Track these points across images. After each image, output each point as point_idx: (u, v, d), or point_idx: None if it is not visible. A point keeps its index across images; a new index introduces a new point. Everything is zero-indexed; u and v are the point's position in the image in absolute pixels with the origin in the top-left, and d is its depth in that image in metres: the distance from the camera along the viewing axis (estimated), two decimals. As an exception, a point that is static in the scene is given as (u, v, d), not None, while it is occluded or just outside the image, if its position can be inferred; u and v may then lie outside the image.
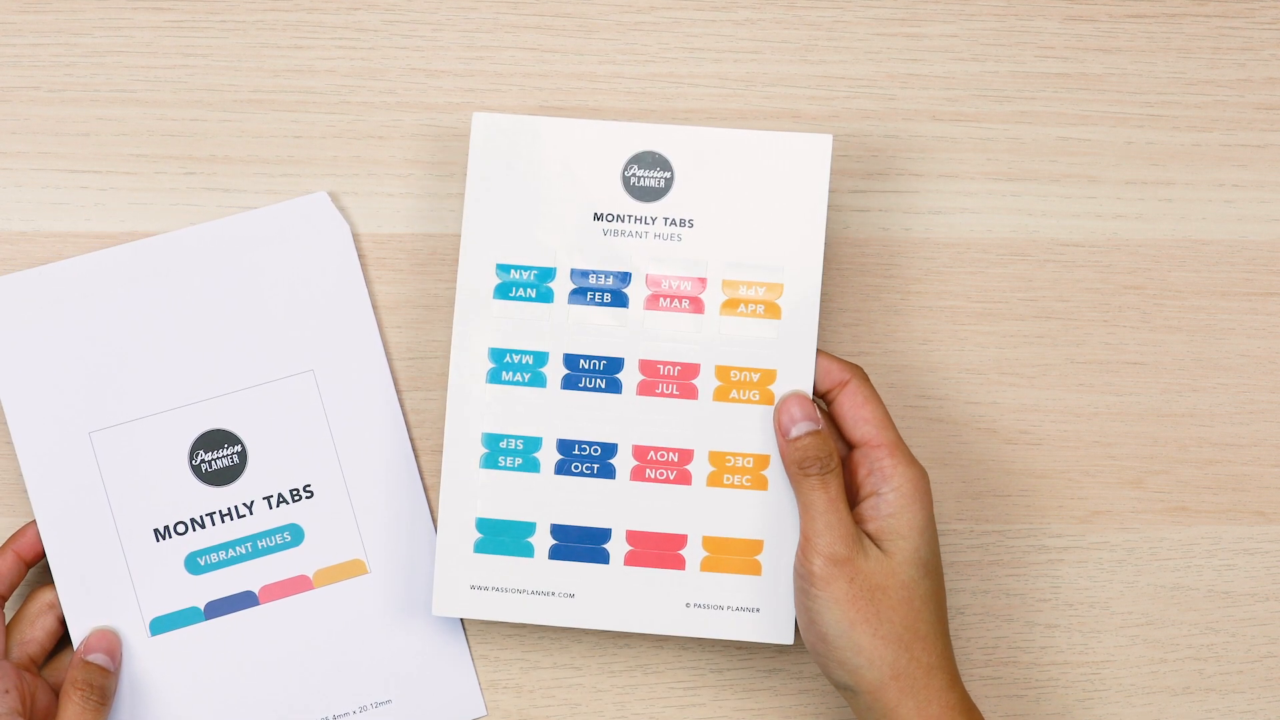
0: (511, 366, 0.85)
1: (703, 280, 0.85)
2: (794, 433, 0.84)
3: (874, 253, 0.91)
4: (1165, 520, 0.91)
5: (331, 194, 0.90)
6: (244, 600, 0.88)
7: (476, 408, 0.85)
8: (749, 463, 0.85)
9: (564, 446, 0.85)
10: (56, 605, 0.86)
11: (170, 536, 0.87)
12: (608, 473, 0.85)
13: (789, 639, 0.86)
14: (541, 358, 0.85)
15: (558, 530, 0.85)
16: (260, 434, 0.88)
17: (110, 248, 0.88)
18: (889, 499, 0.83)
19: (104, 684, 0.84)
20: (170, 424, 0.87)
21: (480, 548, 0.85)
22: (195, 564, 0.88)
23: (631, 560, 0.85)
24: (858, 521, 0.83)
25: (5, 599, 0.85)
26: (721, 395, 0.85)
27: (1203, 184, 0.92)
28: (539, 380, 0.85)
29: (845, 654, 0.81)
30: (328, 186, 0.90)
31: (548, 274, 0.85)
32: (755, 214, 0.85)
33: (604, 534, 0.85)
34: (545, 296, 0.85)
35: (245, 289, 0.88)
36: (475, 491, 0.85)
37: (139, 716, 0.87)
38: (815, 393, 0.85)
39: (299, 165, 0.90)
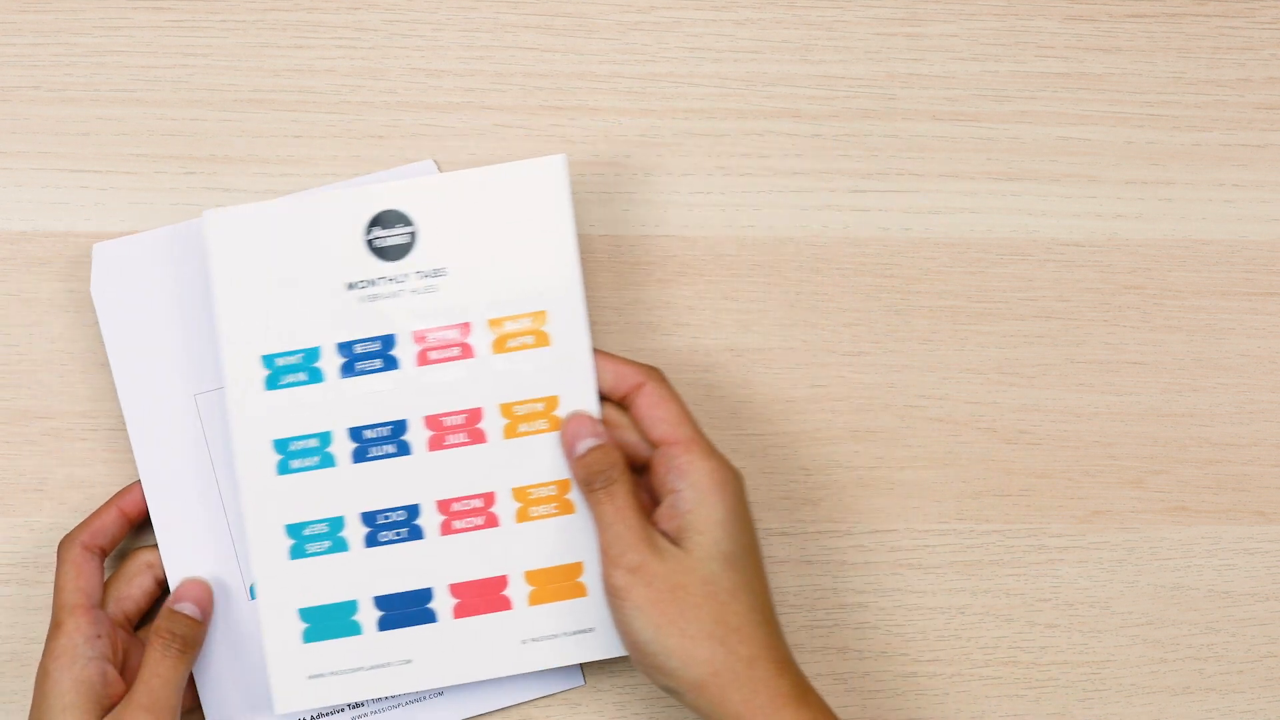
0: (299, 454, 0.85)
1: (467, 325, 0.85)
2: (578, 450, 0.84)
3: (874, 253, 0.91)
4: (1165, 520, 0.91)
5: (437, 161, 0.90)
6: None
7: (273, 502, 0.85)
8: (552, 490, 0.86)
9: (368, 519, 0.85)
10: (155, 565, 0.86)
11: None
12: (417, 534, 0.85)
13: (626, 650, 0.86)
14: (326, 438, 0.85)
15: (381, 601, 0.85)
16: None
17: None
18: (686, 495, 0.82)
19: (186, 633, 0.84)
20: None
21: (309, 636, 0.85)
22: None
23: (460, 612, 0.85)
24: (660, 521, 0.83)
25: (107, 553, 0.86)
26: (511, 432, 0.85)
27: (1203, 184, 0.92)
28: (329, 460, 0.85)
29: (659, 659, 0.81)
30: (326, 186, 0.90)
31: (314, 354, 0.85)
32: (505, 248, 0.85)
33: (426, 594, 0.85)
34: (316, 377, 0.85)
35: None
36: (290, 584, 0.85)
37: (242, 678, 0.87)
38: (614, 398, 0.85)
39: (299, 165, 0.90)
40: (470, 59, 0.91)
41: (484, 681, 0.87)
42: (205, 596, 0.86)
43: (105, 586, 0.86)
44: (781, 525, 0.90)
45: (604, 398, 0.86)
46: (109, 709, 0.82)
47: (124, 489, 0.87)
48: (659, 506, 0.84)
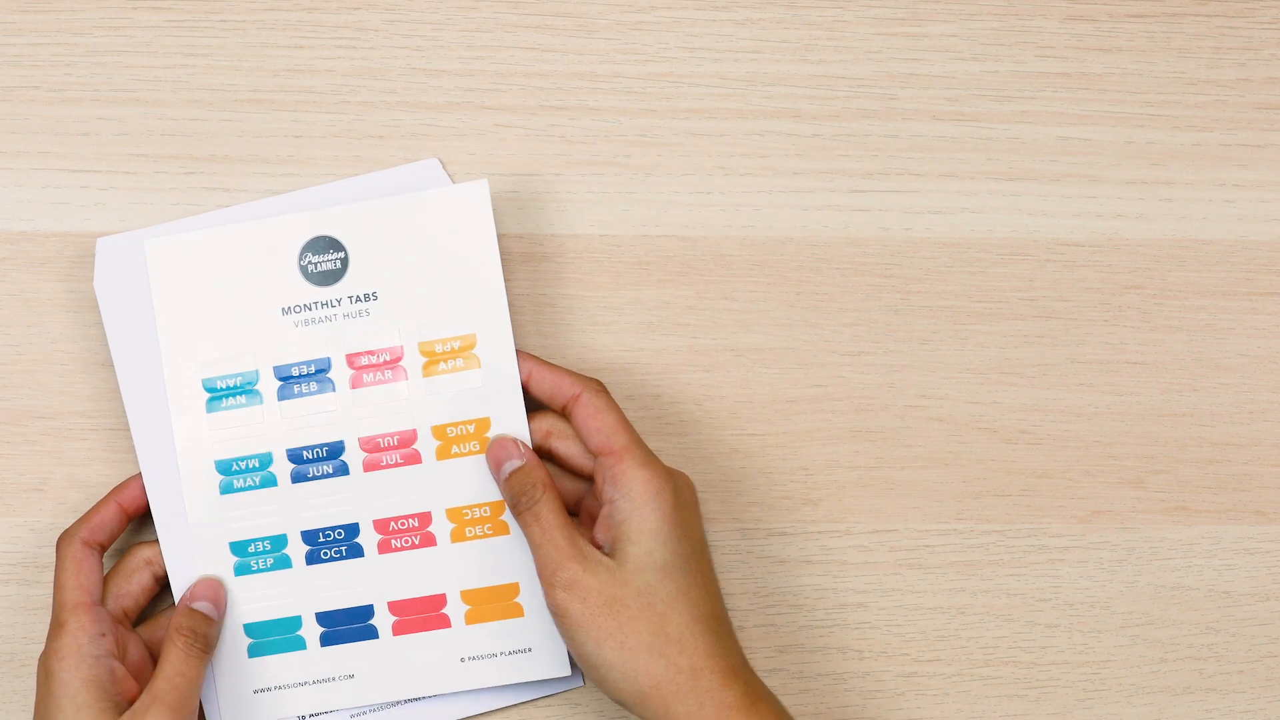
0: (241, 473, 0.87)
1: (399, 348, 0.87)
2: (503, 473, 0.85)
3: (874, 253, 0.92)
4: (1165, 520, 0.91)
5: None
6: None
7: (217, 521, 0.86)
8: (486, 512, 0.87)
9: (309, 537, 0.87)
10: (154, 562, 0.87)
11: None
12: (356, 552, 0.87)
13: (566, 670, 0.87)
14: (266, 458, 0.87)
15: (323, 617, 0.87)
16: None
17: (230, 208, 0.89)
18: (620, 505, 0.83)
19: (207, 631, 0.85)
20: None
21: (254, 652, 0.86)
22: None
23: (400, 629, 0.87)
24: (598, 533, 0.83)
25: (105, 549, 0.86)
26: (444, 454, 0.87)
27: (1203, 184, 0.92)
28: (270, 481, 0.87)
29: (601, 672, 0.81)
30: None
31: (252, 378, 0.87)
32: (433, 272, 0.86)
33: (367, 611, 0.87)
34: (256, 400, 0.87)
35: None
36: (236, 600, 0.86)
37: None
38: (554, 410, 0.86)
39: (299, 165, 0.90)
40: (470, 59, 0.91)
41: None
42: (220, 595, 0.86)
43: (104, 582, 0.86)
44: (781, 525, 0.91)
45: (547, 408, 0.87)
46: (120, 706, 0.82)
47: (122, 484, 0.87)
48: (598, 518, 0.84)
